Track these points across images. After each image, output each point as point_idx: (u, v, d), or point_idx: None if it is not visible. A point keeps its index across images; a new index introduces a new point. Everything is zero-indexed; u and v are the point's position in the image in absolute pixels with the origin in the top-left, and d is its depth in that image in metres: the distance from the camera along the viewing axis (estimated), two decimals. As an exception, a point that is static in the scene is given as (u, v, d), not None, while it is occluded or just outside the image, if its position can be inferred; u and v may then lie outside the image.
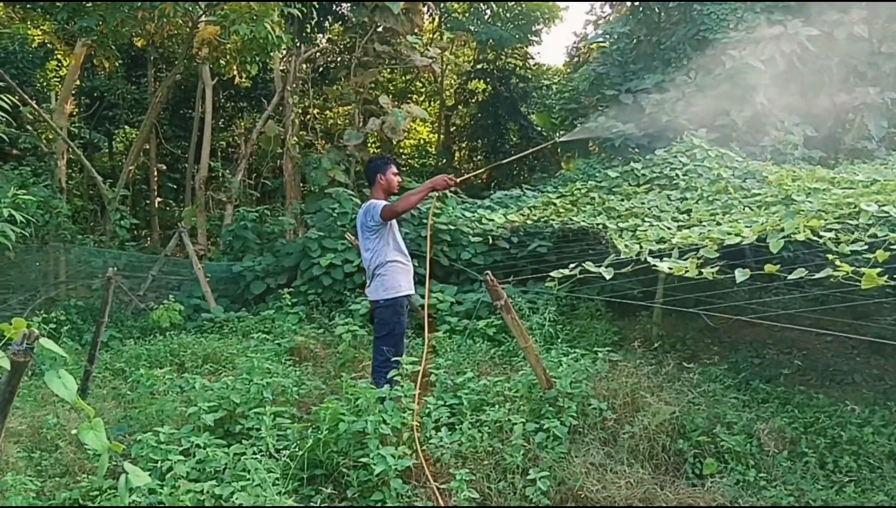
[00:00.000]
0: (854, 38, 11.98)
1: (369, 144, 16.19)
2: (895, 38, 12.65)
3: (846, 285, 3.22)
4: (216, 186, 14.89)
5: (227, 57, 11.98)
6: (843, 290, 4.43)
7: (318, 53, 15.99)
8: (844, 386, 5.83)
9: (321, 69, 16.71)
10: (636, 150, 10.75)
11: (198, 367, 6.26)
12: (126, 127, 17.69)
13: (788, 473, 3.91)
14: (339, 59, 16.54)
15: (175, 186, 18.14)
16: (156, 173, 16.73)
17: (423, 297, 7.82)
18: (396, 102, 15.91)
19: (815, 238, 3.87)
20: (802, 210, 4.84)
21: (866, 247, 3.64)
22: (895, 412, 4.78)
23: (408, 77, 19.52)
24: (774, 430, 4.27)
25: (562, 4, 21.51)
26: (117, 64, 15.41)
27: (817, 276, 3.24)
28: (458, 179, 4.97)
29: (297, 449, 3.73)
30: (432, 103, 21.14)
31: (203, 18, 10.18)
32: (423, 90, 21.06)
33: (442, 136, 20.58)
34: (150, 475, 3.44)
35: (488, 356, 6.27)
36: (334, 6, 15.12)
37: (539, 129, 19.03)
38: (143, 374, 5.15)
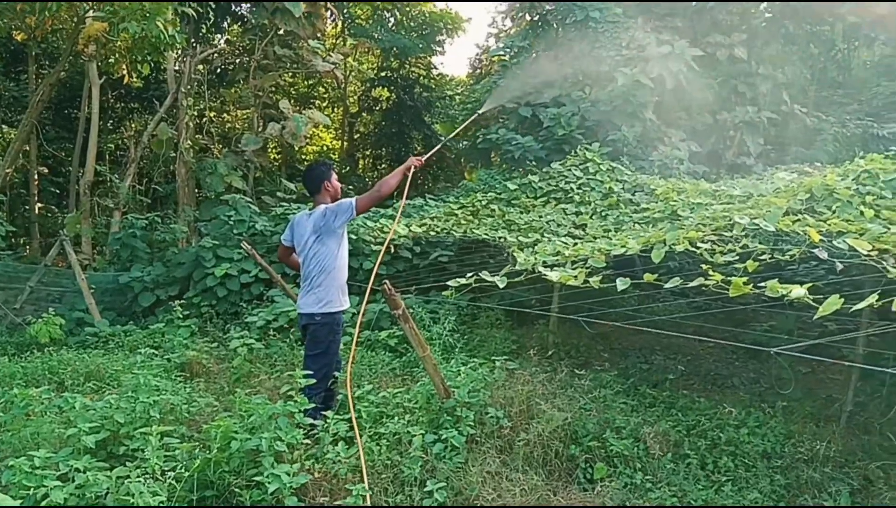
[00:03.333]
0: (735, 59, 12.87)
1: (269, 150, 15.82)
2: (771, 61, 13.67)
3: (724, 293, 3.42)
4: (103, 192, 14.09)
5: (117, 55, 11.40)
6: (723, 299, 4.72)
7: (215, 55, 15.50)
8: (724, 390, 6.20)
9: (218, 71, 16.21)
10: (534, 162, 11.06)
11: (79, 385, 5.88)
12: (3, 127, 16.47)
13: (672, 475, 4.11)
14: (237, 61, 16.12)
15: (58, 191, 17.02)
16: (36, 177, 15.63)
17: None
18: (298, 108, 15.65)
19: (694, 249, 4.10)
20: (685, 225, 5.12)
21: (738, 257, 3.90)
22: (768, 414, 5.12)
23: (310, 82, 19.26)
24: (660, 433, 4.47)
25: (464, 15, 21.88)
26: (-8, 58, 14.35)
27: (691, 285, 3.43)
28: (423, 159, 4.84)
29: (184, 471, 3.56)
30: (336, 110, 20.95)
31: (90, 14, 9.64)
32: (326, 96, 20.84)
33: (346, 143, 20.41)
34: (22, 503, 3.21)
35: (389, 367, 6.24)
36: (232, 6, 14.70)
37: (442, 138, 19.21)
38: (17, 394, 4.76)
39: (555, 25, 14.11)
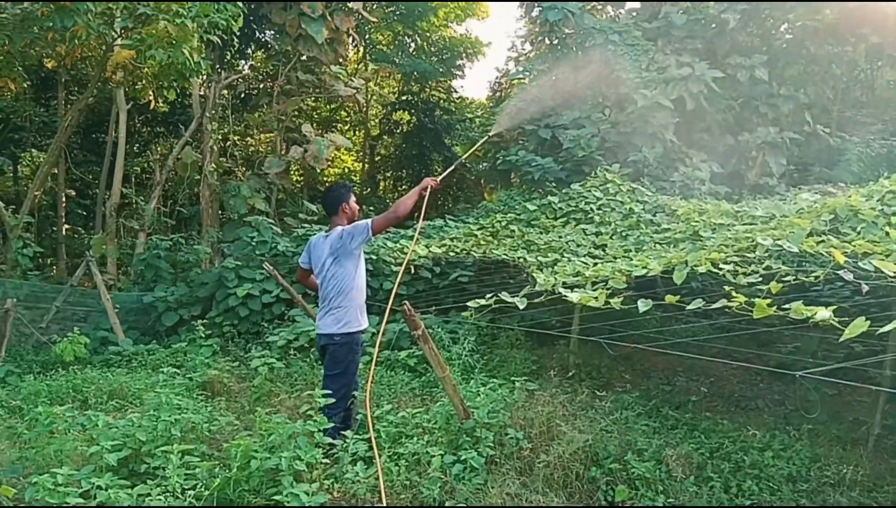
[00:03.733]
0: (755, 80, 12.83)
1: (292, 172, 16.02)
2: (793, 82, 13.61)
3: (748, 315, 3.39)
4: (128, 214, 14.35)
5: (144, 81, 11.66)
6: (747, 320, 4.67)
7: (239, 80, 15.79)
8: (748, 412, 6.10)
9: (242, 96, 16.50)
10: (554, 183, 11.08)
11: (102, 403, 5.96)
12: (33, 150, 16.87)
13: (695, 498, 4.05)
14: (261, 86, 16.40)
15: (85, 213, 17.35)
16: (64, 199, 15.97)
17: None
18: (320, 131, 15.85)
19: (716, 271, 4.07)
20: (706, 246, 5.09)
21: (761, 279, 3.86)
22: (794, 437, 5.03)
23: (332, 106, 19.51)
24: (682, 456, 4.41)
25: (484, 39, 22.08)
26: (25, 85, 14.73)
27: (715, 306, 3.40)
28: (439, 179, 4.80)
29: (204, 489, 3.58)
30: (357, 133, 21.18)
31: (118, 42, 9.89)
32: (347, 119, 21.09)
33: (367, 165, 20.60)
34: (44, 520, 3.25)
35: (408, 387, 6.24)
36: (257, 34, 15.00)
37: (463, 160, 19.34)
38: (42, 411, 4.84)
39: (574, 48, 14.19)
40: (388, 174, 21.36)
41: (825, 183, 9.97)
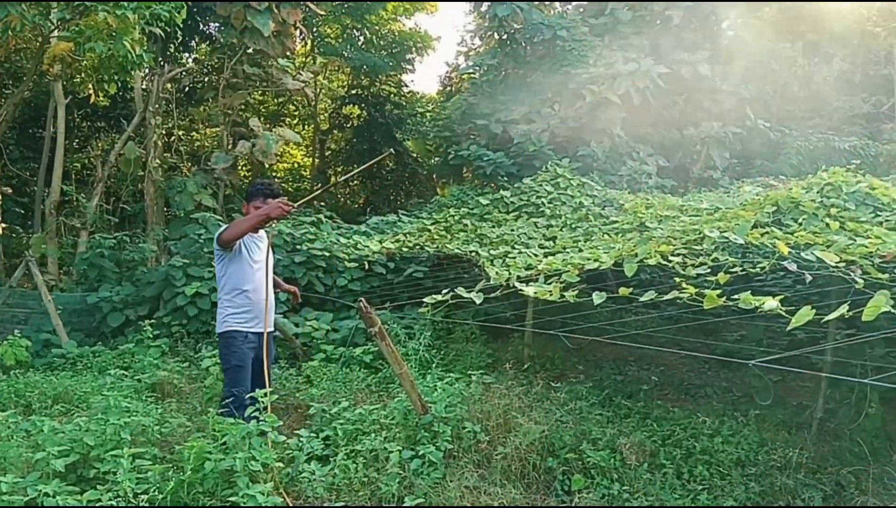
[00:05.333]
0: (699, 76, 13.17)
1: (240, 168, 15.71)
2: (735, 78, 14.02)
3: (696, 305, 3.48)
4: (69, 212, 13.82)
5: (83, 74, 11.23)
6: (694, 310, 4.79)
7: (183, 73, 15.37)
8: (698, 399, 6.27)
9: (187, 89, 16.08)
10: (506, 178, 11.17)
11: (47, 408, 5.73)
12: (-35, 146, 16.10)
13: (649, 485, 4.14)
14: (206, 79, 16.01)
15: (22, 212, 16.62)
16: (0, 197, 15.29)
17: (297, 325, 7.67)
18: (268, 125, 15.58)
19: (666, 262, 4.16)
20: (654, 236, 5.20)
21: (709, 270, 3.97)
22: (742, 422, 5.19)
23: (280, 100, 19.21)
24: (635, 444, 4.51)
25: (434, 34, 22.07)
26: (-47, 77, 14.07)
27: (666, 297, 3.48)
28: (296, 204, 4.47)
29: (157, 493, 3.49)
30: (306, 127, 20.91)
31: (55, 34, 9.50)
32: (296, 113, 20.79)
33: (317, 160, 20.37)
34: (-14, 532, 3.12)
35: (365, 383, 6.20)
36: (201, 26, 14.62)
37: (414, 155, 19.30)
38: (-19, 419, 4.65)
39: (523, 44, 14.31)
40: (339, 169, 21.15)
41: (767, 176, 10.31)
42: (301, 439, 4.37)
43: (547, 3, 17.06)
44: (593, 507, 3.92)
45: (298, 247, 8.61)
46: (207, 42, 15.34)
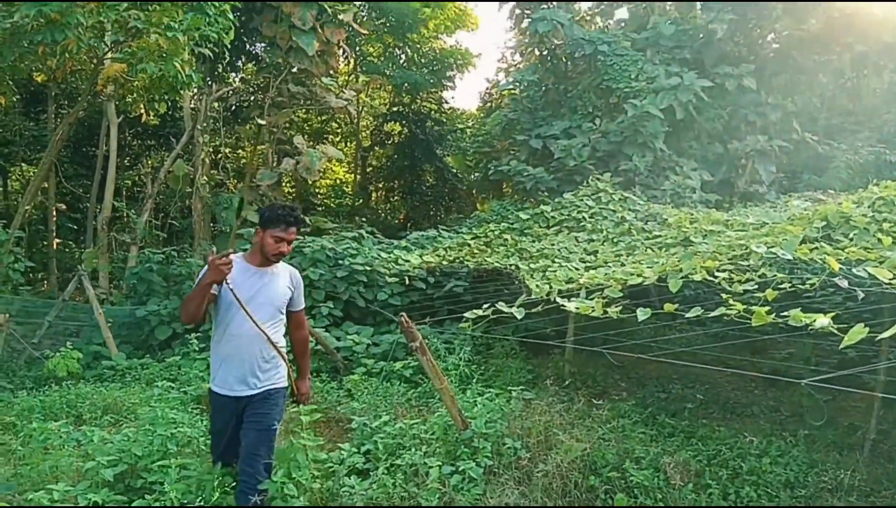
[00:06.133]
0: (743, 89, 12.97)
1: (284, 184, 16.00)
2: (780, 90, 13.75)
3: (742, 322, 3.41)
4: (120, 227, 14.28)
5: (135, 94, 11.63)
6: (740, 327, 4.70)
7: (230, 92, 15.77)
8: (744, 418, 6.11)
9: (234, 108, 16.48)
10: (546, 193, 11.13)
11: (97, 419, 5.90)
12: (23, 165, 16.78)
13: (694, 505, 4.05)
14: (252, 98, 16.39)
15: (76, 227, 17.23)
16: (55, 213, 15.87)
17: (338, 339, 7.74)
18: (311, 143, 15.86)
19: (711, 278, 4.09)
20: (699, 251, 5.11)
21: (756, 286, 3.89)
22: (790, 443, 5.04)
23: (323, 118, 19.54)
24: (680, 463, 4.41)
25: (475, 51, 22.22)
26: (14, 99, 14.67)
27: (713, 314, 3.42)
28: (224, 255, 3.44)
29: (202, 503, 3.56)
30: (348, 144, 21.20)
31: (108, 55, 9.87)
32: (339, 131, 21.12)
33: (358, 176, 20.62)
34: (39, 538, 3.22)
35: (405, 398, 6.22)
36: (248, 46, 15.00)
37: (454, 170, 19.39)
38: (36, 427, 4.79)
39: (563, 59, 14.29)
40: (380, 185, 21.38)
41: (815, 190, 10.06)
42: (342, 453, 4.40)
43: (588, 16, 17.05)
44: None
45: (340, 262, 8.71)
46: (254, 62, 15.72)
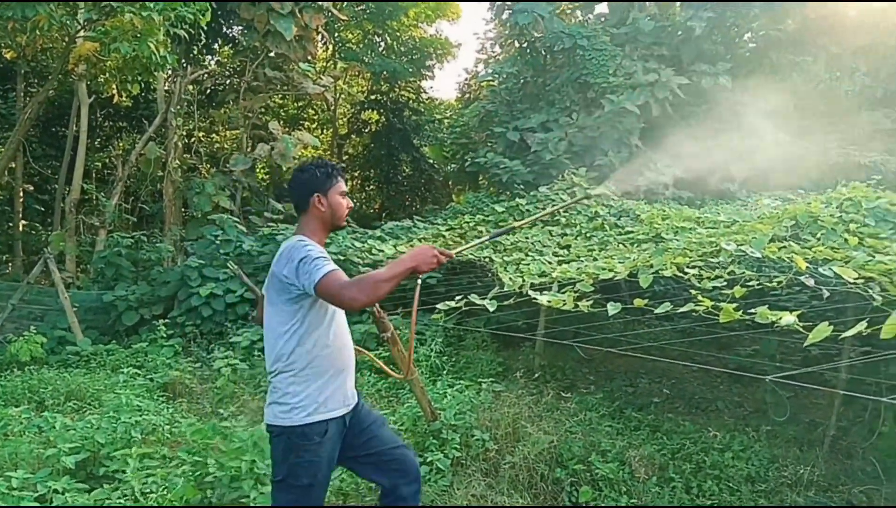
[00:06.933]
0: (719, 87, 13.09)
1: (258, 170, 15.84)
2: (755, 90, 13.89)
3: (710, 318, 3.45)
4: (89, 210, 14.01)
5: (107, 74, 11.38)
6: (708, 323, 4.75)
7: (205, 75, 15.54)
8: (709, 413, 6.20)
9: (208, 91, 16.24)
10: (522, 186, 11.14)
11: (59, 405, 5.79)
12: (-11, 143, 16.36)
13: (657, 498, 4.10)
14: (227, 82, 16.17)
15: (43, 209, 16.87)
16: (21, 194, 15.51)
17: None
18: (287, 129, 15.70)
19: (681, 274, 4.13)
20: (670, 248, 5.16)
21: (725, 283, 3.93)
22: (753, 438, 5.12)
23: (300, 104, 19.35)
24: (645, 457, 4.46)
25: (454, 40, 22.13)
26: (-19, 76, 14.32)
27: (681, 310, 3.45)
28: (453, 253, 2.87)
29: (165, 492, 3.51)
30: (325, 131, 21.04)
31: (81, 34, 9.64)
32: (315, 118, 20.94)
33: (334, 164, 20.47)
34: (-3, 525, 3.15)
35: (375, 388, 6.21)
36: (224, 29, 14.77)
37: (431, 161, 19.34)
38: (-5, 413, 4.71)
39: (543, 52, 14.30)
40: (357, 174, 21.25)
41: (785, 190, 10.19)
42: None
43: (568, 10, 17.06)
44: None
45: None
46: (230, 45, 15.49)
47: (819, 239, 4.67)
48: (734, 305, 3.25)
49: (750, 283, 3.85)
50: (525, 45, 14.36)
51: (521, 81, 14.73)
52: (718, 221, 6.37)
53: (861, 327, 2.68)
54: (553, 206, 8.50)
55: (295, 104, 19.30)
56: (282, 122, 17.10)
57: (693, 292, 3.61)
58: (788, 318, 2.88)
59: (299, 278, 2.49)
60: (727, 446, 4.84)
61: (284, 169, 15.89)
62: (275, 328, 2.63)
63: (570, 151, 11.97)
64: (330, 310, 2.69)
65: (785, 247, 4.24)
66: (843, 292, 3.98)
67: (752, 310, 3.05)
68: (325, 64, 18.98)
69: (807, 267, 3.73)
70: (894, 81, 13.01)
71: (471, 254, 7.42)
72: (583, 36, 13.14)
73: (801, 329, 2.78)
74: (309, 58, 14.06)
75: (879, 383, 5.04)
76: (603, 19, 15.85)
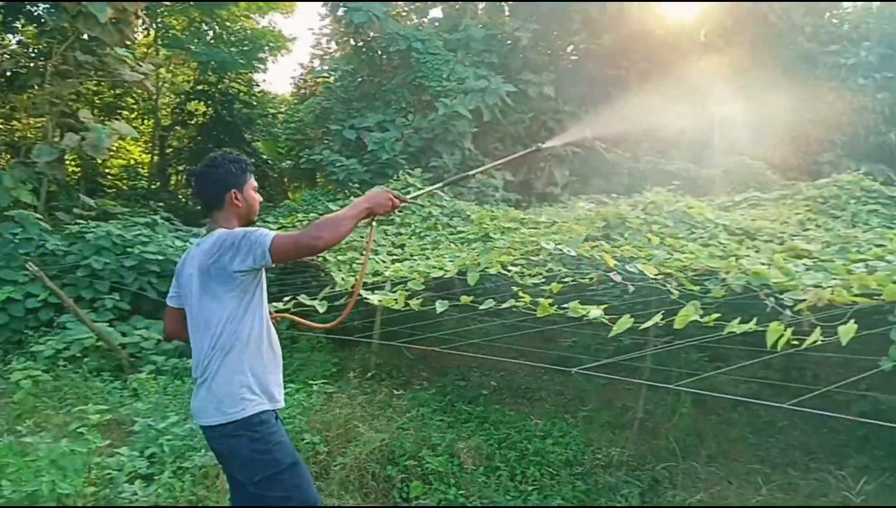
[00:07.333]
0: (544, 96, 13.89)
1: (67, 163, 14.43)
2: (576, 100, 14.89)
3: (534, 313, 3.63)
4: None
5: None
6: (532, 318, 5.00)
7: (5, 56, 13.87)
8: (533, 402, 6.54)
9: (8, 74, 14.51)
10: (358, 185, 11.12)
11: None
12: None
13: (484, 487, 4.25)
14: (31, 64, 14.54)
15: None
16: None
17: (124, 335, 7.10)
18: (103, 118, 14.46)
19: (505, 272, 4.32)
20: (497, 247, 5.38)
21: (544, 280, 4.17)
22: (571, 424, 5.48)
23: (117, 92, 17.86)
24: (473, 448, 4.62)
25: (289, 34, 21.57)
26: None
27: (503, 306, 3.61)
28: (408, 198, 3.09)
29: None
30: (146, 122, 19.61)
31: None
32: (135, 107, 19.43)
33: (157, 157, 19.15)
34: None
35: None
36: (27, 6, 13.28)
37: (264, 156, 18.70)
38: None
39: (379, 52, 14.34)
40: (181, 168, 19.98)
41: (601, 193, 11.02)
42: (122, 458, 4.04)
43: (404, 12, 17.23)
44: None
45: (129, 250, 8.01)
46: (35, 24, 13.95)
47: (626, 239, 5.09)
48: (550, 300, 3.46)
49: (566, 279, 4.11)
50: (361, 43, 14.33)
51: (358, 79, 14.68)
52: (540, 221, 6.74)
53: (657, 318, 2.94)
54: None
55: (112, 91, 17.79)
56: (96, 110, 15.72)
57: (515, 288, 3.79)
58: (596, 312, 3.10)
59: (251, 253, 2.45)
60: (548, 433, 5.13)
61: (99, 161, 14.63)
62: (214, 320, 2.53)
63: (407, 152, 12.12)
64: (264, 297, 2.67)
65: (597, 246, 4.57)
66: (648, 288, 4.37)
67: (566, 305, 3.25)
68: (146, 50, 17.70)
69: (615, 264, 4.05)
70: (694, 97, 14.48)
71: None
72: (417, 39, 13.35)
73: (606, 322, 3.00)
74: (127, 43, 13.02)
75: (680, 369, 5.58)
76: (437, 24, 16.22)
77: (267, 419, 2.54)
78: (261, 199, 2.86)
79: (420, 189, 8.91)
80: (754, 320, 2.90)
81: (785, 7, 15.12)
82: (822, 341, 2.72)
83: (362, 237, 7.64)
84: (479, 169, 3.82)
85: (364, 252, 7.02)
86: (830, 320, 2.95)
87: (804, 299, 3.12)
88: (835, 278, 3.42)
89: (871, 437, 5.02)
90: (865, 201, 7.46)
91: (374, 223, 2.93)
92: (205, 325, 2.55)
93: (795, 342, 2.69)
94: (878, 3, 15.99)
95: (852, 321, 2.72)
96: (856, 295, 3.05)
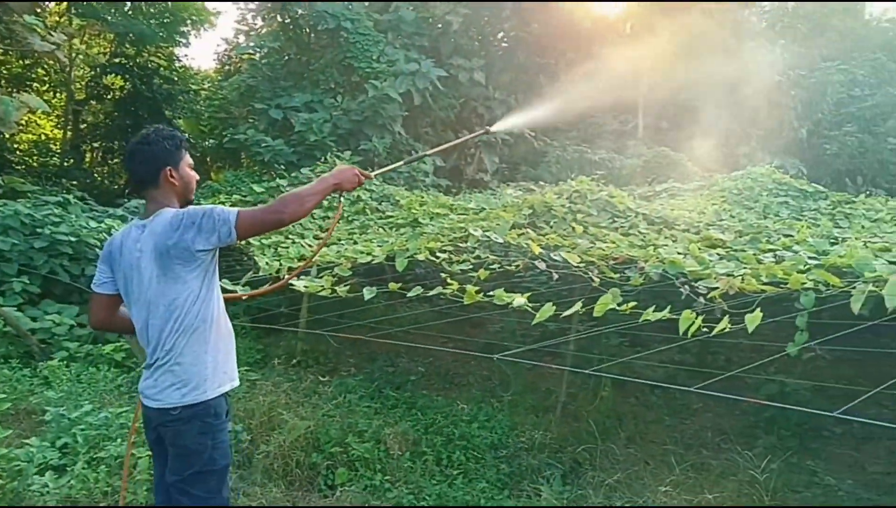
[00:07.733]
0: (474, 82, 13.95)
1: (-31, 136, 13.53)
2: (505, 87, 15.03)
3: (461, 299, 3.66)
4: None
5: None
6: (460, 304, 5.05)
7: None
8: (460, 388, 6.61)
9: None
10: (284, 166, 10.89)
11: None
12: None
13: (410, 473, 4.28)
14: (-73, 28, 13.51)
15: None
16: None
17: (34, 320, 6.75)
18: (10, 90, 13.60)
19: (433, 258, 4.34)
20: (425, 232, 5.39)
21: (472, 267, 4.21)
22: (497, 408, 5.57)
23: (27, 62, 16.84)
24: (399, 434, 4.63)
25: (213, 8, 20.79)
26: None
27: (431, 293, 3.62)
28: (373, 174, 2.87)
29: None
30: (58, 95, 18.57)
31: None
32: (46, 79, 18.36)
33: (70, 133, 18.18)
34: None
35: (114, 384, 5.65)
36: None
37: (186, 135, 18.03)
38: None
39: (307, 30, 14.04)
40: (97, 145, 19.06)
41: (530, 181, 11.21)
42: (31, 449, 3.86)
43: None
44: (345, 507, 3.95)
45: (39, 230, 7.59)
46: (-71, -16, 12.94)
47: (552, 227, 5.19)
48: (476, 288, 3.50)
49: (493, 266, 4.17)
50: (288, 20, 13.98)
51: (285, 57, 14.34)
52: (469, 208, 6.79)
53: (578, 307, 3.02)
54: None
55: (20, 62, 16.76)
56: (3, 81, 14.77)
57: (443, 275, 3.81)
58: (519, 300, 3.16)
59: (215, 231, 2.38)
60: (474, 417, 5.20)
61: (6, 136, 13.78)
62: (180, 301, 2.43)
63: (336, 134, 11.94)
64: (217, 277, 2.59)
65: (524, 233, 4.65)
66: (572, 275, 4.48)
67: (491, 292, 3.30)
68: (58, 19, 16.72)
69: (540, 252, 4.12)
70: (621, 88, 14.85)
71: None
72: (347, 18, 13.13)
73: (530, 309, 3.06)
74: (37, 10, 12.28)
75: (601, 354, 5.76)
76: (367, 4, 16.00)
77: (220, 412, 2.49)
78: (197, 177, 2.74)
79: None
80: (668, 307, 3.02)
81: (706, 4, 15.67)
82: (732, 327, 2.87)
83: (293, 226, 7.51)
84: (438, 148, 3.84)
85: (288, 236, 6.91)
86: (742, 307, 3.11)
87: (717, 288, 3.27)
88: (745, 268, 3.59)
89: (778, 418, 5.32)
90: (777, 193, 7.89)
91: (341, 199, 2.93)
92: (165, 307, 2.43)
93: (706, 329, 2.82)
94: (793, 3, 16.76)
95: (759, 309, 2.87)
96: (764, 284, 3.22)
